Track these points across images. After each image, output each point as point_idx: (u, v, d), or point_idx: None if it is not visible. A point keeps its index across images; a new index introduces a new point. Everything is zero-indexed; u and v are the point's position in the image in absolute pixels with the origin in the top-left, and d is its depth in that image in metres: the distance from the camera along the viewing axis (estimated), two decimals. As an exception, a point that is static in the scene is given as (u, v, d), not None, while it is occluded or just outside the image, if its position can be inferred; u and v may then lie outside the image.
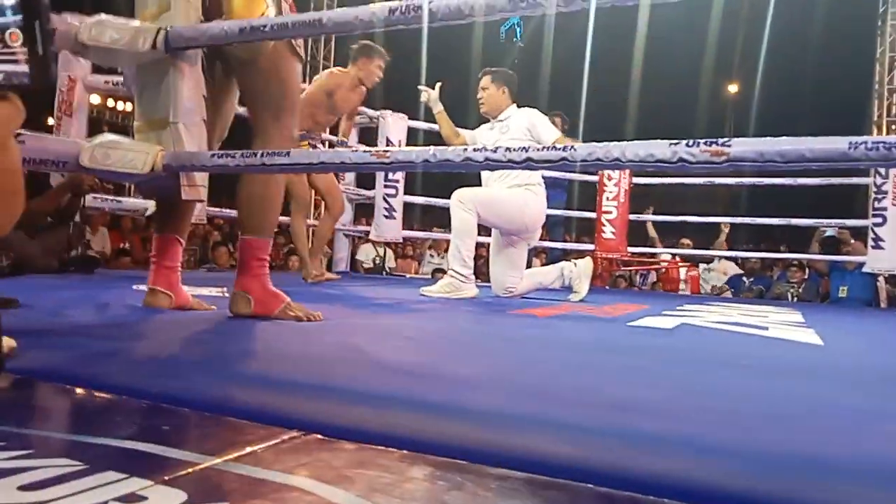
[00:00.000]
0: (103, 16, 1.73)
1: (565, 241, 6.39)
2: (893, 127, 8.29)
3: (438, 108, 3.61)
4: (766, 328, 2.48)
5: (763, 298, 6.00)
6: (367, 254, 7.07)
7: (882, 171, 5.02)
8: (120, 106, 13.31)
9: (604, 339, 1.93)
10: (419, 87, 3.65)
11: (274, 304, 1.89)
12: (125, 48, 1.69)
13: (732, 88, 16.84)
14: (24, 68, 0.49)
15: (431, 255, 8.32)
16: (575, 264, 3.57)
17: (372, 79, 3.96)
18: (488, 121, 3.63)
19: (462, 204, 3.32)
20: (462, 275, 3.31)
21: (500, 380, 1.18)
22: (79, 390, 0.99)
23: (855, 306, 5.25)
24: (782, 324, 2.72)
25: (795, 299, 5.95)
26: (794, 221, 5.61)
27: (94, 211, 4.22)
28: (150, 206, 3.58)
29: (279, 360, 1.29)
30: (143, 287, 2.00)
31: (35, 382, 1.02)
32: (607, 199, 5.87)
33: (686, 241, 7.21)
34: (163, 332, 1.58)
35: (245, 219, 1.90)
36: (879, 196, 5.01)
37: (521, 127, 3.45)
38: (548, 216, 4.12)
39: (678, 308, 3.36)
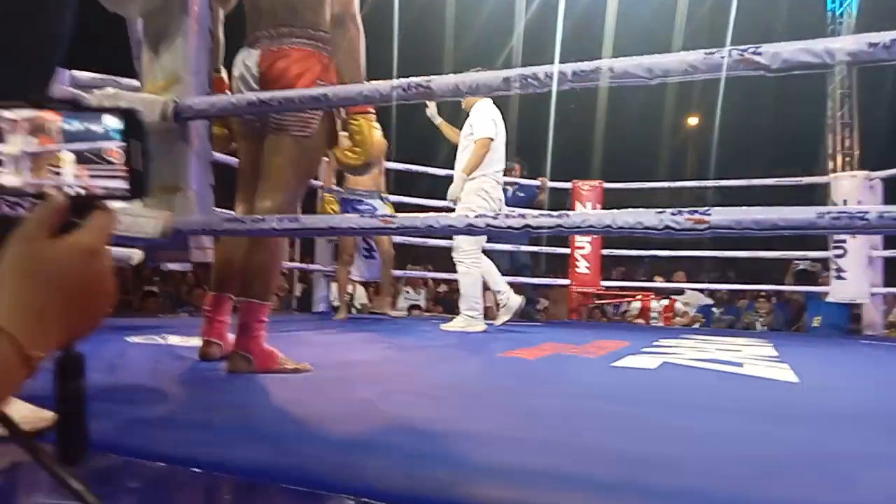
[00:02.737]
0: (111, 89, 1.82)
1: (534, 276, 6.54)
2: (847, 159, 8.68)
3: (438, 120, 4.67)
4: (742, 364, 2.62)
5: (733, 329, 6.20)
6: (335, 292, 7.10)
7: (840, 204, 5.29)
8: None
9: (595, 385, 2.03)
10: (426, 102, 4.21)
11: (271, 361, 1.97)
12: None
13: (693, 121, 17.37)
14: (124, 183, 0.55)
15: (407, 292, 8.38)
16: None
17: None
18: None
19: (462, 262, 4.08)
20: (473, 317, 4.08)
21: (510, 435, 1.27)
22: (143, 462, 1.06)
23: (830, 335, 5.46)
24: (757, 359, 2.86)
25: (765, 328, 6.15)
26: (760, 254, 5.83)
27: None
28: (137, 255, 3.63)
29: (310, 423, 1.37)
30: (137, 339, 2.08)
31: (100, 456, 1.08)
32: (579, 235, 6.04)
33: (659, 278, 7.45)
34: (199, 396, 1.64)
35: (250, 284, 1.98)
36: (828, 207, 5.25)
37: (468, 124, 4.17)
38: (517, 258, 5.63)
39: (655, 344, 3.49)
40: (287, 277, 6.07)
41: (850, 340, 4.86)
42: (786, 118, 13.42)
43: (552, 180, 6.29)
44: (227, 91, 2.15)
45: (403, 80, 1.55)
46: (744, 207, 1.33)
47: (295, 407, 1.50)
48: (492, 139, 4.07)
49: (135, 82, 2.61)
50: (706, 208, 1.35)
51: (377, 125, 2.01)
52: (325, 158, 4.52)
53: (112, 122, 0.56)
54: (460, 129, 4.33)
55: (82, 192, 0.56)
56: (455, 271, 4.24)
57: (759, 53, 1.32)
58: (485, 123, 4.09)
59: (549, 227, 1.46)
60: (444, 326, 4.13)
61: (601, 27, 12.34)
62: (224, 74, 2.18)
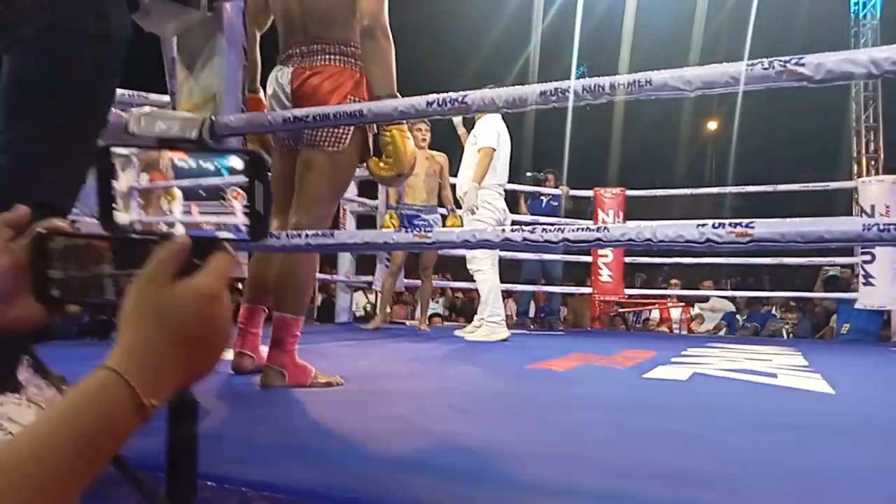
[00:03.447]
0: (149, 108, 1.84)
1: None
2: (873, 162, 8.58)
3: (461, 130, 4.77)
4: (775, 375, 2.58)
5: (759, 336, 6.12)
6: (357, 302, 7.14)
7: (868, 209, 5.22)
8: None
9: (629, 397, 2.02)
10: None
11: (304, 376, 1.98)
12: (173, 137, 1.79)
13: (712, 125, 17.28)
14: (239, 221, 0.54)
15: (435, 301, 8.37)
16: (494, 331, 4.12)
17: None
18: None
19: (480, 270, 4.09)
20: (496, 323, 4.07)
21: (554, 452, 1.27)
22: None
23: (860, 341, 5.37)
24: (789, 369, 2.82)
25: (791, 336, 6.07)
26: (786, 261, 5.76)
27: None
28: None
29: (351, 440, 1.37)
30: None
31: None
32: (603, 242, 6.00)
33: (674, 281, 7.38)
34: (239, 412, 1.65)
35: (283, 298, 1.99)
36: (873, 219, 5.18)
37: (473, 134, 4.31)
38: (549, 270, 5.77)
39: (683, 354, 3.46)
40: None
41: (879, 347, 4.78)
42: (807, 121, 13.30)
43: (571, 188, 6.28)
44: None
45: (439, 96, 1.55)
46: (787, 219, 1.31)
47: (333, 423, 1.50)
48: (494, 149, 4.15)
49: (163, 97, 2.64)
50: (749, 220, 1.33)
51: (409, 136, 2.01)
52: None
53: (235, 163, 0.55)
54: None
55: (202, 232, 0.55)
56: (471, 281, 4.30)
57: (803, 64, 1.30)
58: (488, 134, 4.16)
59: (589, 241, 1.46)
60: (468, 336, 4.11)
61: (619, 32, 12.32)
62: (261, 94, 2.20)
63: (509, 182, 4.53)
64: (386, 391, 1.94)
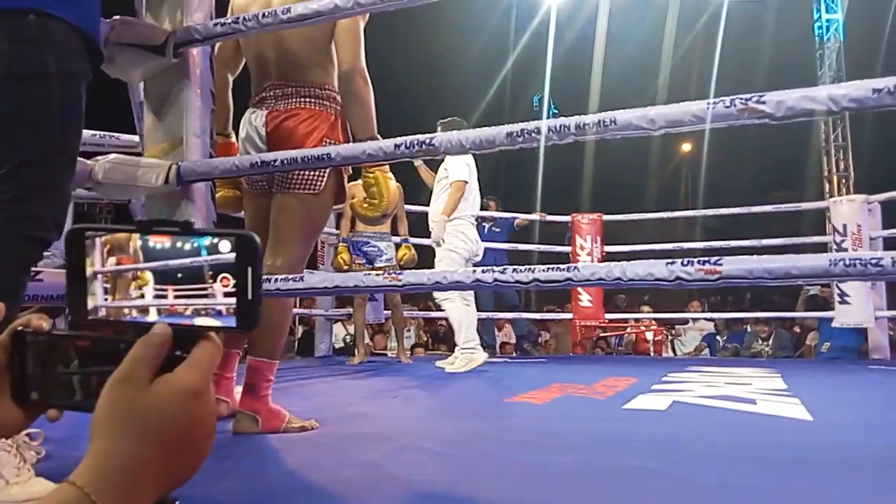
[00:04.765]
0: (114, 155, 1.82)
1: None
2: (844, 181, 8.74)
3: (418, 162, 4.56)
4: (754, 401, 2.59)
5: (739, 357, 6.16)
6: (336, 334, 7.07)
7: (840, 229, 5.30)
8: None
9: (606, 433, 2.00)
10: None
11: (278, 421, 1.94)
12: (139, 184, 1.77)
13: (686, 147, 17.54)
14: (231, 311, 0.50)
15: (408, 329, 8.29)
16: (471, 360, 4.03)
17: None
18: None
19: (447, 299, 4.03)
20: (472, 349, 3.98)
21: (520, 500, 1.24)
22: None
23: (841, 358, 5.42)
24: (768, 394, 2.83)
25: (770, 355, 6.11)
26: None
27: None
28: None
29: (323, 492, 1.33)
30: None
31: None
32: (582, 268, 6.03)
33: (646, 308, 7.45)
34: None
35: (257, 342, 1.96)
36: (840, 253, 5.25)
37: (443, 167, 4.27)
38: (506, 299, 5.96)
39: (664, 380, 3.46)
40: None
41: (858, 366, 4.82)
42: (772, 140, 13.55)
43: (548, 213, 6.33)
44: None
45: (407, 139, 1.55)
46: (755, 256, 1.31)
47: (305, 474, 1.47)
48: (466, 182, 4.16)
49: (134, 138, 2.62)
50: (717, 258, 1.34)
51: (391, 175, 2.01)
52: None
53: (222, 246, 0.51)
54: (435, 171, 4.39)
55: (183, 319, 0.51)
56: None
57: (764, 102, 1.32)
58: (459, 167, 4.16)
59: (559, 281, 1.45)
60: (448, 368, 4.01)
61: (590, 61, 12.52)
62: (233, 138, 2.19)
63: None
64: (360, 435, 1.91)
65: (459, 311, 4.05)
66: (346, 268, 4.68)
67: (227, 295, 0.51)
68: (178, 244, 0.52)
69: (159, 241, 0.53)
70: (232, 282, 0.50)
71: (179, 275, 0.52)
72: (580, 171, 14.93)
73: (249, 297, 0.50)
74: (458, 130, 4.19)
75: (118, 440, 0.43)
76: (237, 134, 2.13)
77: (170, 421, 0.44)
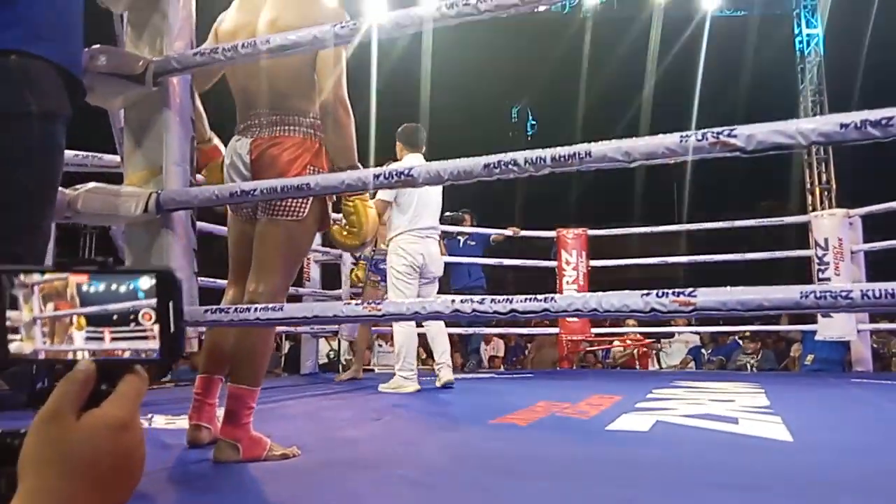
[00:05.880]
0: (93, 184, 1.82)
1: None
2: (826, 193, 8.84)
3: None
4: (736, 420, 2.60)
5: (725, 370, 6.19)
6: (320, 350, 7.01)
7: (822, 243, 5.36)
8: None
9: (587, 458, 2.01)
10: None
11: (259, 449, 1.93)
12: (118, 213, 1.77)
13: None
14: (155, 345, 0.52)
15: (380, 345, 8.14)
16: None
17: None
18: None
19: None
20: (406, 377, 4.01)
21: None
22: None
23: (824, 371, 5.47)
24: (750, 412, 2.85)
25: (755, 369, 6.16)
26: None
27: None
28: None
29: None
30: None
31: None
32: (567, 283, 6.06)
33: (631, 321, 7.46)
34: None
35: (238, 369, 1.95)
36: (822, 267, 5.31)
37: None
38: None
39: (649, 397, 3.47)
40: (275, 336, 6.01)
41: (841, 380, 4.86)
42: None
43: (532, 228, 6.35)
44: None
45: (385, 169, 1.56)
46: (728, 287, 1.33)
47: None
48: (389, 203, 4.10)
49: (117, 158, 2.62)
50: (691, 289, 1.35)
51: (371, 204, 2.02)
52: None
53: (143, 283, 0.52)
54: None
55: (110, 356, 0.52)
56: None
57: (735, 136, 1.34)
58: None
59: (536, 312, 1.46)
60: (382, 387, 4.05)
61: (574, 78, 12.60)
62: (215, 141, 2.19)
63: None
64: (342, 462, 1.90)
65: (405, 335, 4.09)
66: (360, 284, 4.75)
67: (149, 329, 0.53)
68: (113, 286, 0.54)
69: (90, 284, 0.54)
70: (154, 316, 0.52)
71: (113, 315, 0.54)
72: (568, 184, 14.99)
73: (172, 329, 0.52)
74: (416, 137, 4.30)
75: (47, 477, 0.44)
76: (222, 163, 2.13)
77: (98, 455, 0.46)
